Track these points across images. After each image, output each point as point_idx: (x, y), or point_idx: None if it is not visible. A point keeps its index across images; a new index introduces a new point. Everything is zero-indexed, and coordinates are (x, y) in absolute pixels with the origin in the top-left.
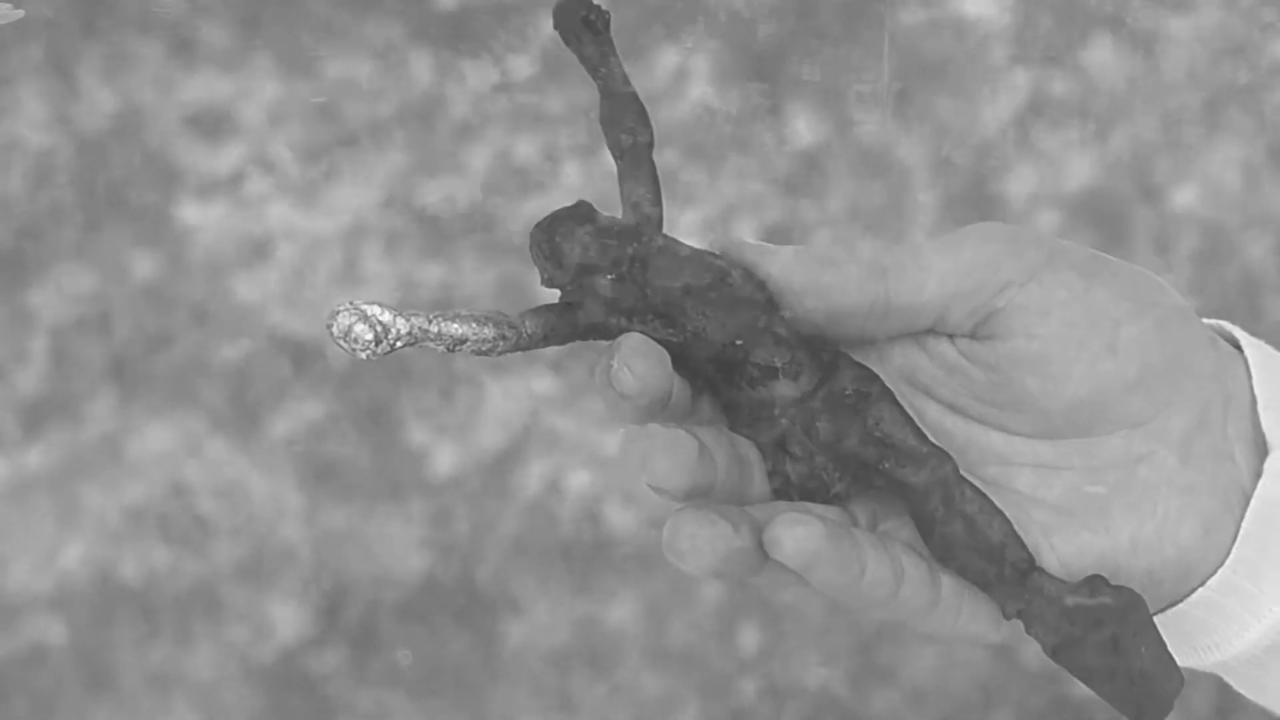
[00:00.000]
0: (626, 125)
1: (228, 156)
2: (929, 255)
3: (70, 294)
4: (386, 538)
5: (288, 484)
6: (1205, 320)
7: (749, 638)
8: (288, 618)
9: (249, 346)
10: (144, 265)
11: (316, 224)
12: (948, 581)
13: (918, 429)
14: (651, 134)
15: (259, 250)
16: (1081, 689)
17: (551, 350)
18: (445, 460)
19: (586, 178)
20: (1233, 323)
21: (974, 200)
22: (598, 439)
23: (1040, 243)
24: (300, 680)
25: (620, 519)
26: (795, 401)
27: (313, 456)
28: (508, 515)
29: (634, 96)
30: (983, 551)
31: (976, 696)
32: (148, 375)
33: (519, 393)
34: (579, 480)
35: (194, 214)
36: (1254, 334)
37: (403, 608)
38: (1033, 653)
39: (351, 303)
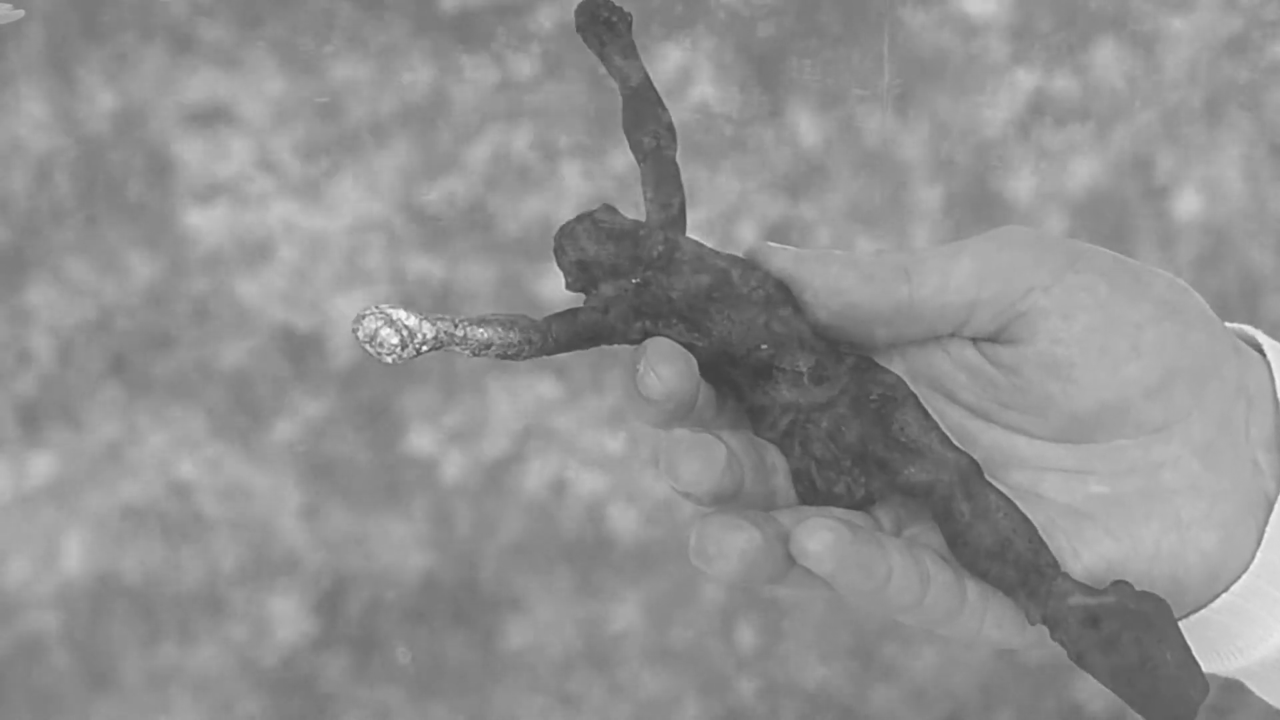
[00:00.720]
0: (649, 128)
1: (228, 155)
2: (953, 259)
3: (70, 294)
4: (387, 537)
5: (289, 483)
6: (1227, 324)
7: (748, 637)
8: (288, 617)
9: (250, 346)
10: (144, 265)
11: (317, 222)
12: (972, 586)
13: (942, 433)
14: (674, 136)
15: (260, 249)
16: (1082, 690)
17: None
18: (446, 460)
19: (587, 176)
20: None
21: (975, 200)
22: (599, 439)
23: (1064, 247)
24: (301, 680)
25: (621, 519)
26: (820, 406)
27: (314, 456)
28: (509, 515)
29: (656, 99)
30: (1007, 557)
31: (977, 696)
32: (148, 375)
33: (521, 393)
34: (580, 480)
35: (195, 213)
36: None
37: (404, 607)
38: (1034, 652)
39: (377, 306)
